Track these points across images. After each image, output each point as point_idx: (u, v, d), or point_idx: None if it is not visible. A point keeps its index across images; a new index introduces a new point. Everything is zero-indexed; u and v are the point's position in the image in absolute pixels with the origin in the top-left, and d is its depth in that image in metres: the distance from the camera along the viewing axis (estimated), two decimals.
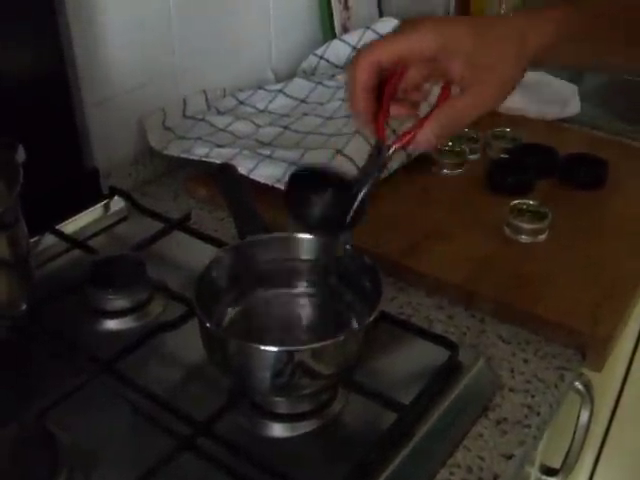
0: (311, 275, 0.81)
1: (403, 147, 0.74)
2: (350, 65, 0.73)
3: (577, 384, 0.91)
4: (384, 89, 0.74)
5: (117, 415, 0.74)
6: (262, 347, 0.67)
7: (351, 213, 0.76)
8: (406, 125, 0.74)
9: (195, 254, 0.94)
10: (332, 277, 0.80)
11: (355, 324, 0.77)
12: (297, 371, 0.68)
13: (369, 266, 0.76)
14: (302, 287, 0.82)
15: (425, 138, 0.72)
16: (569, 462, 1.03)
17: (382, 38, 0.74)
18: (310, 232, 0.79)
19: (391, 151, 0.74)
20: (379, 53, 0.71)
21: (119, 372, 0.77)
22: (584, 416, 0.98)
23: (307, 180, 0.81)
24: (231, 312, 0.79)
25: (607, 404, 1.52)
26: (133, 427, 0.74)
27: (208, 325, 0.70)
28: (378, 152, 0.75)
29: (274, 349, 0.67)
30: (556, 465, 1.06)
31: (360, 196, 0.75)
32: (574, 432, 1.00)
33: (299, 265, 0.81)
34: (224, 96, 1.29)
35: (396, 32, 0.72)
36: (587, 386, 0.93)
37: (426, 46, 0.70)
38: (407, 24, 0.72)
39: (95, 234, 1.03)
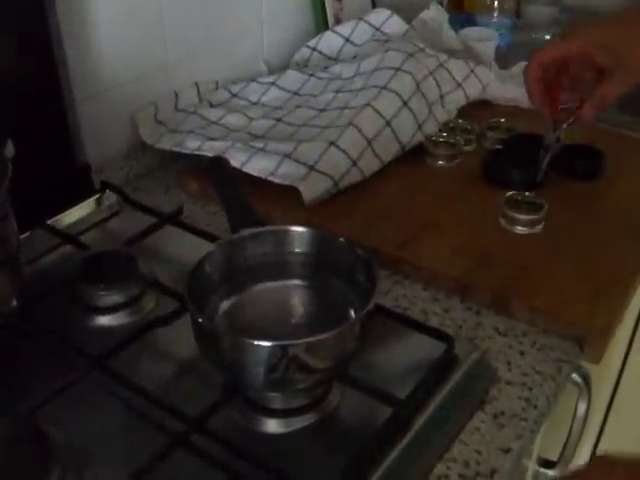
0: (305, 268, 0.80)
1: (570, 124, 1.03)
2: (525, 65, 0.99)
3: (575, 376, 0.90)
4: (554, 82, 1.00)
5: (110, 412, 0.73)
6: (255, 342, 0.66)
7: (540, 174, 1.09)
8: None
9: (187, 248, 0.94)
10: (326, 270, 0.79)
11: (350, 317, 0.76)
12: (291, 366, 0.67)
13: (363, 258, 0.75)
14: (296, 280, 0.81)
15: (586, 114, 0.98)
16: (566, 454, 1.03)
17: (548, 43, 1.07)
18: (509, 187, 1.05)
19: (564, 126, 1.04)
20: (541, 56, 0.98)
21: (111, 369, 0.76)
22: (581, 408, 0.97)
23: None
24: (224, 306, 0.78)
25: (604, 395, 1.51)
26: (126, 424, 0.73)
27: (200, 320, 0.69)
28: (554, 129, 1.05)
29: (267, 344, 0.66)
30: (553, 457, 1.05)
31: (545, 161, 1.08)
32: (571, 424, 1.00)
33: (292, 258, 0.80)
34: (216, 89, 1.28)
35: (560, 37, 1.00)
36: (585, 378, 0.92)
37: (575, 48, 0.95)
38: (567, 30, 1.01)
39: (87, 229, 1.02)
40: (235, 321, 0.77)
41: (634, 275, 0.96)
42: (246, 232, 0.79)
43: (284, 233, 0.80)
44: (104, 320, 0.87)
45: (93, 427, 0.72)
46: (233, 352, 0.69)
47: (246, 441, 0.70)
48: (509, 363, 0.82)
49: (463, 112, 1.29)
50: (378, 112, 1.12)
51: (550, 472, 1.06)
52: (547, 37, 1.66)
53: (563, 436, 1.02)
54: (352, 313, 0.76)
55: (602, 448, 1.61)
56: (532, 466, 1.01)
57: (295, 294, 0.81)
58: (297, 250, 0.80)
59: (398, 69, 1.19)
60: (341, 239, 0.78)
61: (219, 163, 0.92)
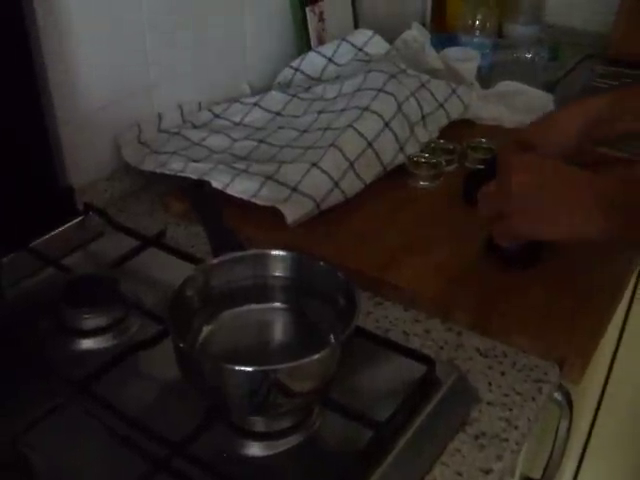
0: (286, 292, 0.81)
1: None
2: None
3: (556, 395, 0.91)
4: None
5: (93, 437, 0.73)
6: (237, 367, 0.66)
7: None
8: None
9: (170, 271, 0.93)
10: (307, 293, 0.79)
11: (331, 341, 0.76)
12: (273, 390, 0.67)
13: (344, 282, 0.76)
14: (277, 304, 0.81)
15: None
16: (549, 473, 1.03)
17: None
18: None
19: None
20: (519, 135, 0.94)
21: (94, 393, 0.76)
22: (563, 427, 0.98)
23: None
24: (206, 330, 0.78)
25: (587, 414, 1.52)
26: (109, 449, 0.72)
27: (182, 345, 0.69)
28: None
29: (249, 369, 0.66)
30: (536, 476, 1.06)
31: None
32: (554, 443, 1.00)
33: (273, 282, 0.80)
34: (199, 110, 1.28)
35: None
36: (566, 397, 0.93)
37: None
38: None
39: (70, 252, 1.02)
40: (217, 345, 0.77)
41: (614, 292, 0.97)
42: (227, 256, 0.79)
43: (265, 257, 0.80)
44: (87, 343, 0.86)
45: (76, 452, 0.72)
46: (215, 377, 0.69)
47: (229, 465, 0.70)
48: (490, 384, 0.83)
49: (445, 132, 1.30)
50: (360, 133, 1.13)
51: None
52: (528, 56, 1.68)
53: (546, 454, 1.03)
54: (333, 336, 0.77)
55: (585, 466, 1.62)
56: None
57: (277, 317, 0.81)
58: (278, 274, 0.80)
59: (380, 90, 1.20)
60: (322, 263, 0.79)
61: (200, 186, 0.92)
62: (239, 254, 0.80)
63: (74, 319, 0.87)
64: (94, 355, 0.84)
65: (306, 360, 0.67)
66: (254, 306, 0.81)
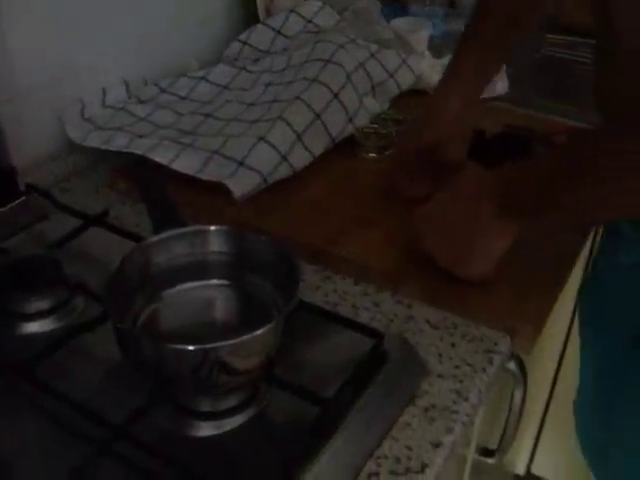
0: (228, 268, 0.79)
1: None
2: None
3: (509, 365, 0.90)
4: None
5: (34, 422, 0.72)
6: (177, 346, 0.64)
7: None
8: None
9: (115, 250, 0.91)
10: (249, 268, 0.78)
11: (274, 316, 0.75)
12: (215, 368, 0.66)
13: (286, 255, 0.74)
14: (219, 280, 0.80)
15: None
16: (505, 442, 1.03)
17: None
18: None
19: None
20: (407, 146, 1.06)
21: (35, 377, 0.73)
22: (517, 396, 0.97)
23: None
24: (147, 310, 0.76)
25: (545, 383, 1.53)
26: (50, 434, 0.71)
27: (120, 326, 0.67)
28: None
29: (190, 348, 0.64)
30: (493, 446, 1.06)
31: None
32: (509, 413, 1.00)
33: (214, 258, 0.79)
34: (145, 85, 1.26)
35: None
36: (520, 367, 0.92)
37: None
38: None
39: (12, 234, 0.99)
40: (158, 324, 0.76)
41: (563, 265, 0.96)
42: (166, 233, 0.77)
43: (205, 233, 0.78)
44: (31, 327, 0.84)
45: (17, 438, 0.70)
46: (156, 357, 0.67)
47: (174, 446, 0.69)
48: (440, 355, 0.82)
49: (396, 102, 1.28)
50: (308, 105, 1.11)
51: (490, 460, 1.06)
52: None
53: (502, 424, 1.02)
54: (276, 311, 0.75)
55: (545, 434, 1.63)
56: (471, 454, 1.01)
57: (219, 294, 0.80)
58: (218, 250, 0.78)
59: (328, 61, 1.18)
60: (262, 237, 0.77)
61: (143, 164, 0.90)
62: (178, 231, 0.77)
63: (16, 302, 0.85)
64: (38, 338, 0.82)
65: (247, 337, 0.65)
66: (196, 283, 0.79)
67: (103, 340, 0.78)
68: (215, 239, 0.78)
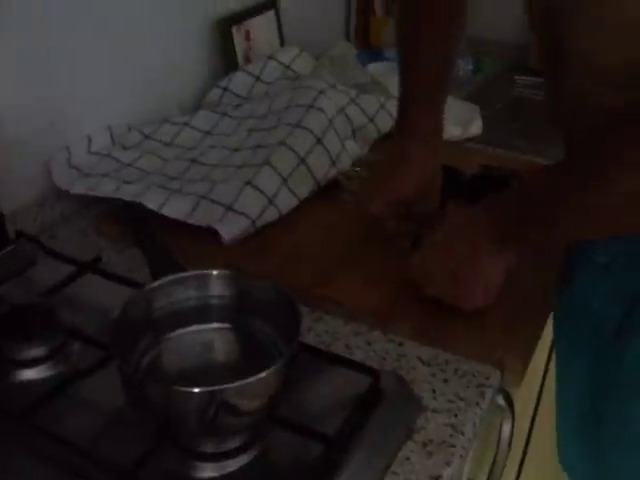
0: (228, 311, 0.80)
1: None
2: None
3: (498, 399, 0.93)
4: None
5: (38, 470, 0.72)
6: (183, 389, 0.66)
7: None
8: None
9: (109, 296, 0.92)
10: (249, 311, 0.79)
11: (276, 358, 0.76)
12: (221, 410, 0.67)
13: (285, 298, 0.76)
14: (220, 323, 0.81)
15: None
16: (494, 476, 1.05)
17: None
18: None
19: None
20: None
21: (35, 424, 0.74)
22: (506, 430, 0.99)
23: None
24: (150, 353, 0.78)
25: (526, 416, 1.54)
26: None
27: (127, 370, 0.68)
28: None
29: (196, 390, 0.66)
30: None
31: None
32: (497, 446, 1.02)
33: (215, 301, 0.80)
34: (129, 131, 1.27)
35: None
36: (508, 400, 0.94)
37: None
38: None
39: (3, 281, 1.00)
40: (162, 368, 0.77)
41: (545, 298, 0.99)
42: (168, 278, 0.79)
43: (206, 277, 0.80)
44: (27, 374, 0.84)
45: None
46: (162, 400, 0.69)
47: None
48: (434, 391, 0.84)
49: (377, 146, 1.32)
50: (292, 149, 1.14)
51: None
52: None
53: (490, 458, 1.04)
54: (277, 352, 0.77)
55: (527, 466, 1.64)
56: None
57: (220, 337, 0.81)
58: (219, 293, 0.80)
59: (310, 106, 1.21)
60: (263, 280, 0.79)
61: (135, 209, 0.92)
62: (180, 275, 0.79)
63: (11, 349, 0.85)
64: (34, 385, 0.83)
65: (253, 379, 0.67)
66: (197, 326, 0.81)
67: (102, 385, 0.80)
68: (216, 283, 0.80)
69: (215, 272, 0.80)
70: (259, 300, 0.79)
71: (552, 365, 1.44)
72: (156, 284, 0.78)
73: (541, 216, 0.81)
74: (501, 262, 0.88)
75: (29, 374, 0.85)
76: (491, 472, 1.04)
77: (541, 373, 1.46)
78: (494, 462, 1.03)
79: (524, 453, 1.60)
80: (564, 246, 0.99)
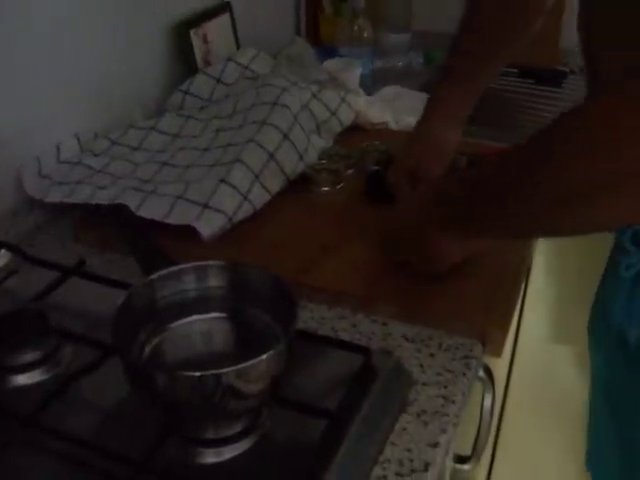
0: (224, 301, 0.83)
1: None
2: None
3: (479, 372, 0.96)
4: None
5: (49, 470, 0.74)
6: (186, 373, 0.68)
7: None
8: None
9: (95, 298, 0.94)
10: (245, 300, 0.82)
11: (275, 341, 0.78)
12: (225, 394, 0.69)
13: (279, 284, 0.79)
14: (217, 313, 0.84)
15: None
16: (479, 448, 1.08)
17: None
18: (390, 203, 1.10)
19: None
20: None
21: (42, 425, 0.76)
22: (487, 402, 1.03)
23: None
24: (152, 344, 0.80)
25: (499, 391, 1.59)
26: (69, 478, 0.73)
27: (132, 360, 0.70)
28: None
29: (200, 374, 0.68)
30: (467, 453, 1.11)
31: None
32: (480, 418, 1.05)
33: (214, 292, 0.83)
34: (95, 138, 1.29)
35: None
36: (487, 372, 0.98)
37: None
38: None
39: None
40: (164, 356, 0.80)
41: (518, 272, 1.03)
42: (161, 272, 0.81)
43: (198, 269, 0.82)
44: (20, 379, 0.86)
45: None
46: (166, 386, 0.71)
47: (191, 475, 0.72)
48: (422, 366, 0.88)
49: (340, 138, 1.35)
50: (261, 146, 1.16)
51: (465, 467, 1.11)
52: (400, 64, 1.78)
53: (473, 431, 1.08)
54: (275, 339, 0.79)
55: (503, 437, 1.69)
56: (449, 463, 1.06)
57: (218, 327, 0.84)
58: (213, 284, 0.83)
59: (275, 103, 1.23)
60: (256, 269, 0.81)
61: (119, 210, 0.93)
62: (176, 268, 0.81)
63: (4, 356, 0.86)
64: (32, 390, 0.84)
65: (255, 360, 0.69)
66: (195, 317, 0.83)
67: (100, 384, 0.82)
68: (208, 274, 0.82)
69: (211, 263, 0.82)
70: (256, 289, 0.81)
71: (520, 335, 1.50)
72: (153, 277, 0.80)
73: (487, 198, 0.82)
74: (449, 241, 0.92)
75: (25, 379, 0.86)
76: (476, 444, 1.08)
77: (511, 344, 1.51)
78: (478, 434, 1.07)
79: (498, 428, 1.64)
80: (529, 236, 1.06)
